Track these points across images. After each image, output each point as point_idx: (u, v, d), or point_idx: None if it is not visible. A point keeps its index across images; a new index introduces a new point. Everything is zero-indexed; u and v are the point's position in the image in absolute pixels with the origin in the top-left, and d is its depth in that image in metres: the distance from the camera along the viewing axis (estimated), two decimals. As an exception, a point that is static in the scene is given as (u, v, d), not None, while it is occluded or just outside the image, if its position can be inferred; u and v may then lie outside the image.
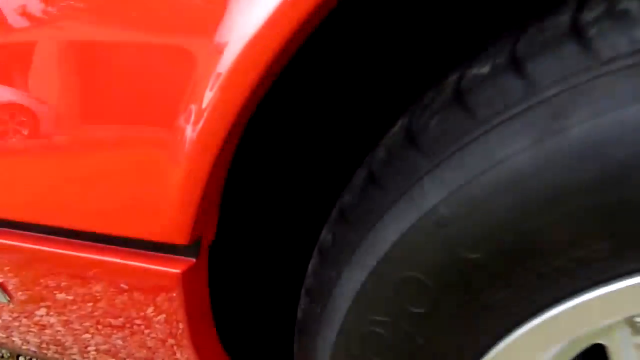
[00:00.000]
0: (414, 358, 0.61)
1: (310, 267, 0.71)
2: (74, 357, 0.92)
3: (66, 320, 0.78)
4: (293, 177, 0.93)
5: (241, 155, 0.65)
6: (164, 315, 0.71)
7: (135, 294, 0.71)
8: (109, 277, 0.71)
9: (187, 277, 0.65)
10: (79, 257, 0.72)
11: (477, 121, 0.52)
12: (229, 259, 0.82)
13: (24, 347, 1.00)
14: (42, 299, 0.80)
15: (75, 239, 0.72)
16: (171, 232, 0.62)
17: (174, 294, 0.66)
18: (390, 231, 0.58)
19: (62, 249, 0.72)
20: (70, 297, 0.75)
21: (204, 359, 0.77)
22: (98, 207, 0.66)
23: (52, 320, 0.85)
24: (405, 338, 0.60)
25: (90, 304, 0.75)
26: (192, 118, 0.55)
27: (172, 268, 0.65)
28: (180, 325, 0.71)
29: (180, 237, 0.61)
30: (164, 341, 0.76)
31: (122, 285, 0.71)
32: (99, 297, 0.74)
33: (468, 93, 0.53)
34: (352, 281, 0.62)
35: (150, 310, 0.70)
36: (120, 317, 0.73)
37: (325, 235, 0.67)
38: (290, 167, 0.92)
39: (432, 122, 0.55)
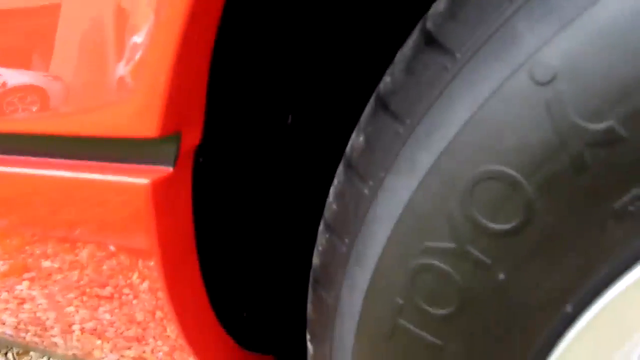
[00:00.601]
0: (489, 306, 0.41)
1: (332, 190, 0.52)
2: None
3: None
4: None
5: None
6: (135, 256, 0.52)
7: (102, 221, 0.52)
8: (64, 199, 0.52)
9: (159, 192, 0.46)
10: (19, 174, 0.53)
11: None
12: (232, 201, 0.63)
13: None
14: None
15: (15, 154, 0.54)
16: (134, 118, 0.43)
17: (143, 218, 0.47)
18: (459, 108, 0.38)
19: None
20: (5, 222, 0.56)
21: (188, 330, 0.58)
22: (44, 99, 0.48)
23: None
24: (477, 271, 0.40)
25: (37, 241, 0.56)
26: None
27: (139, 178, 0.46)
28: (154, 270, 0.51)
29: (146, 126, 0.42)
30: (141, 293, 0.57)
31: (82, 211, 0.52)
32: (55, 231, 0.55)
33: None
34: (395, 194, 0.43)
35: (118, 239, 0.51)
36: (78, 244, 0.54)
37: (355, 140, 0.48)
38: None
39: None
